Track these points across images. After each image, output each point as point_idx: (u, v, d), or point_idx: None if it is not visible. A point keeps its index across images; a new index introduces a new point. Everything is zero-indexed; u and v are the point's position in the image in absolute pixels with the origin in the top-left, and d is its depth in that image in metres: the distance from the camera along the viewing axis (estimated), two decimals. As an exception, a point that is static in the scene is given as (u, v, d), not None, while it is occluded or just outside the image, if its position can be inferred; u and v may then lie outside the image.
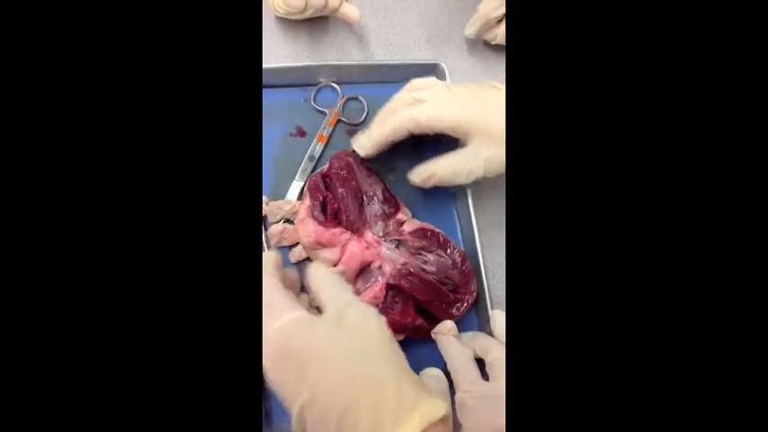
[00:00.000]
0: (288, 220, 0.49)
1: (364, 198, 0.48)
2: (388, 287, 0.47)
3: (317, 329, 0.34)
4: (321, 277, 0.39)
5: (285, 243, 0.49)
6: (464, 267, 0.48)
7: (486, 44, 0.61)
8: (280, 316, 0.34)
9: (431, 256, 0.48)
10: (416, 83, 0.48)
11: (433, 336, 0.47)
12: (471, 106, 0.45)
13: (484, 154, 0.45)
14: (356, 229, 0.47)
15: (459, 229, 0.54)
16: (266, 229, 0.49)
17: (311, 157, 0.51)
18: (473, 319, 0.51)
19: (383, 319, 0.37)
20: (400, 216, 0.49)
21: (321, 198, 0.47)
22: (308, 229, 0.46)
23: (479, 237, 0.50)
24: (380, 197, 0.49)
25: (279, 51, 0.55)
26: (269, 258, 0.39)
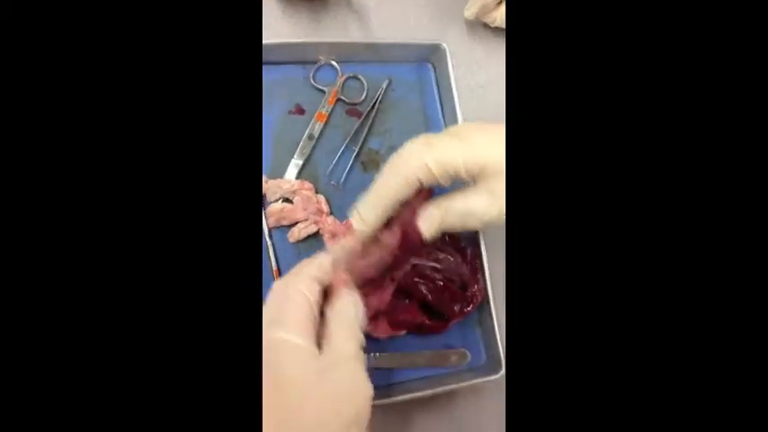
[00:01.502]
0: (286, 199, 0.46)
1: None
2: (398, 290, 0.44)
3: (311, 365, 0.31)
4: (344, 311, 0.35)
5: (284, 222, 0.46)
6: (473, 263, 0.46)
7: (487, 27, 0.59)
8: (285, 330, 0.31)
9: (440, 255, 0.45)
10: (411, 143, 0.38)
11: None
12: (484, 145, 0.37)
13: (498, 199, 0.37)
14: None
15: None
16: (265, 208, 0.46)
17: (310, 136, 0.48)
18: (473, 315, 0.49)
19: (371, 392, 0.33)
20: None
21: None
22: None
23: (482, 234, 0.48)
24: None
25: (279, 29, 0.52)
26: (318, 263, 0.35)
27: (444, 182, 0.38)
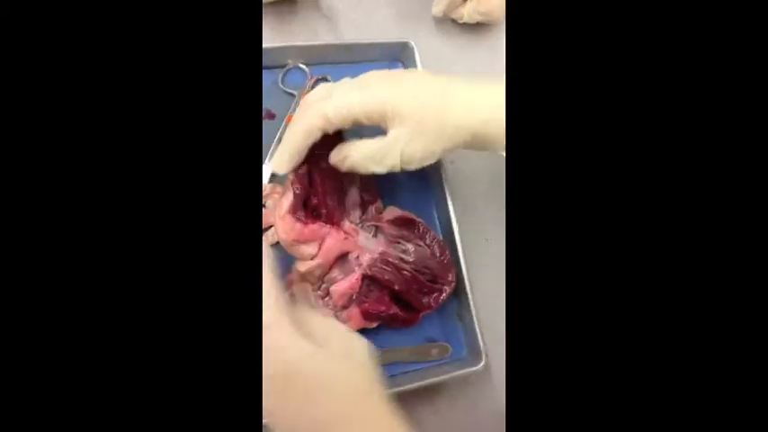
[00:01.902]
0: (260, 205, 0.46)
1: (344, 184, 0.45)
2: (365, 277, 0.44)
3: (325, 363, 0.32)
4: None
5: (258, 227, 0.46)
6: (443, 258, 0.46)
7: (455, 23, 0.59)
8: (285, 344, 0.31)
9: (410, 246, 0.45)
10: (313, 93, 0.41)
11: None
12: (382, 91, 0.38)
13: (399, 144, 0.39)
14: (335, 221, 0.44)
15: (436, 217, 0.51)
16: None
17: (281, 140, 0.48)
18: (452, 308, 0.49)
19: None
20: (378, 203, 0.47)
21: (303, 194, 0.43)
22: (288, 227, 0.42)
23: (458, 226, 0.48)
24: (359, 183, 0.46)
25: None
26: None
27: (347, 127, 0.40)
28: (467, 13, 0.56)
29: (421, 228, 0.46)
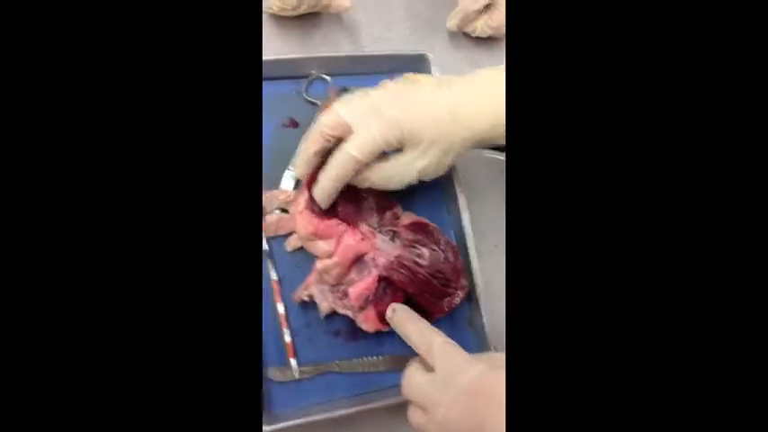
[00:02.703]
0: (283, 210, 0.47)
1: (360, 190, 0.46)
2: (380, 279, 0.45)
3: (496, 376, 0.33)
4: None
5: (281, 232, 0.47)
6: (456, 263, 0.46)
7: (468, 36, 0.60)
8: (467, 368, 0.35)
9: (425, 250, 0.46)
10: (325, 119, 0.41)
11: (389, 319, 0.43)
12: (397, 116, 0.39)
13: (416, 164, 0.41)
14: (352, 221, 0.45)
15: (449, 224, 0.52)
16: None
17: (304, 148, 0.49)
18: (463, 313, 0.50)
19: None
20: (396, 209, 0.48)
21: None
22: (305, 221, 0.44)
23: (471, 233, 0.49)
24: (376, 190, 0.47)
25: (271, 47, 0.53)
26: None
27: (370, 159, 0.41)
28: (479, 27, 0.58)
29: (435, 233, 0.47)
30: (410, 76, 0.43)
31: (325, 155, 0.42)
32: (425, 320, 0.41)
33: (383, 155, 0.42)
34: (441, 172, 0.43)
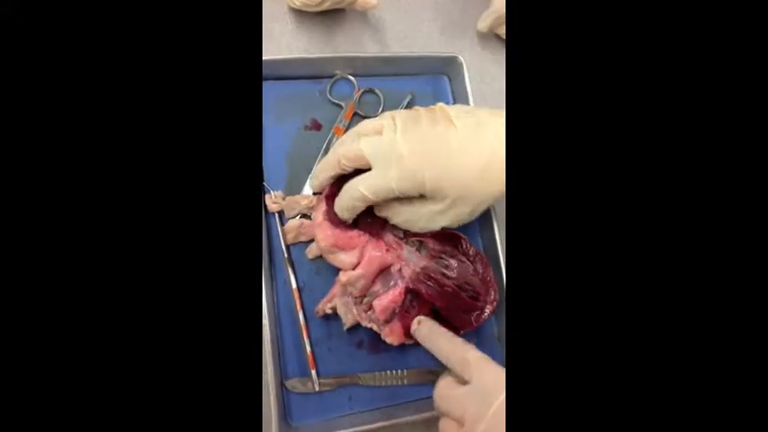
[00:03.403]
0: (305, 215, 0.45)
1: None
2: (407, 290, 0.42)
3: None
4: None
5: (302, 238, 0.44)
6: (486, 275, 0.44)
7: (499, 38, 0.57)
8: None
9: (453, 261, 0.43)
10: (346, 151, 0.39)
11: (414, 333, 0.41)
12: (418, 169, 0.36)
13: (442, 217, 0.39)
14: (375, 232, 0.43)
15: (479, 235, 0.50)
16: (283, 225, 0.45)
17: (327, 151, 0.47)
18: (492, 328, 0.48)
19: None
20: None
21: None
22: (325, 233, 0.41)
23: (502, 245, 0.46)
24: None
25: (293, 44, 0.51)
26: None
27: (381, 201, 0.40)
28: None
29: (464, 243, 0.44)
30: (443, 109, 0.39)
31: (342, 177, 0.41)
32: (454, 333, 0.39)
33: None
34: (470, 220, 0.40)
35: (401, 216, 0.40)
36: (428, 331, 0.40)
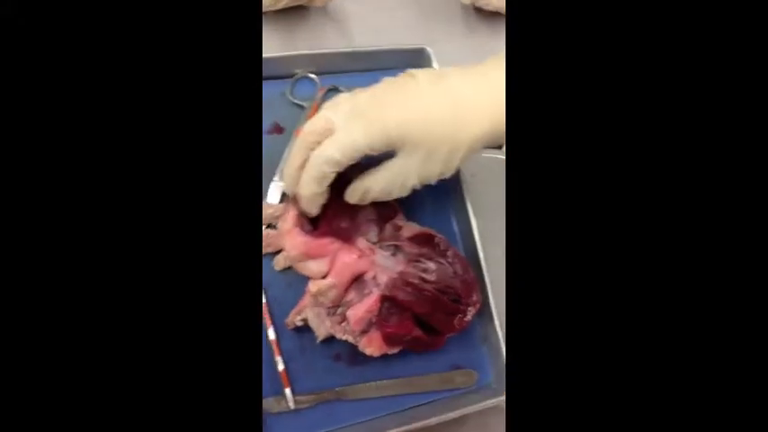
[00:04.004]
0: (270, 225, 0.42)
1: None
2: (384, 298, 0.40)
3: None
4: None
5: (269, 250, 0.42)
6: (466, 276, 0.41)
7: (480, 23, 0.55)
8: None
9: (431, 264, 0.41)
10: (311, 126, 0.36)
11: None
12: (382, 117, 0.35)
13: (413, 167, 0.36)
14: (347, 237, 0.40)
15: (457, 233, 0.47)
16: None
17: (291, 155, 0.44)
18: (476, 330, 0.45)
19: None
20: (398, 220, 0.42)
21: None
22: (295, 241, 0.39)
23: (481, 243, 0.44)
24: None
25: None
26: None
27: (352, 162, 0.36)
28: (493, 0, 0.52)
29: (442, 245, 0.42)
30: (411, 72, 0.37)
31: None
32: None
33: (376, 161, 0.37)
34: (448, 174, 0.38)
35: (378, 183, 0.37)
36: None
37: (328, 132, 0.35)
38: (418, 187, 0.38)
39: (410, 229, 0.42)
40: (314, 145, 0.36)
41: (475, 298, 0.41)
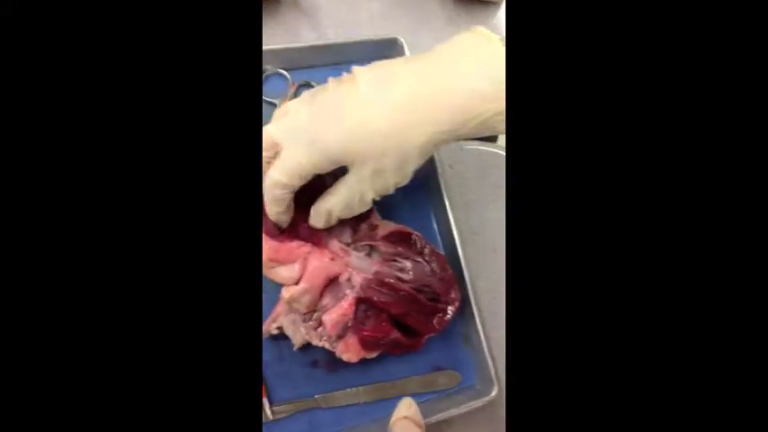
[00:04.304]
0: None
1: None
2: (359, 301, 0.38)
3: None
4: None
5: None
6: (444, 274, 0.40)
7: (453, 16, 0.53)
8: None
9: (407, 263, 0.39)
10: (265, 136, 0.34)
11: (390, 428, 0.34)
12: (322, 137, 0.32)
13: (366, 182, 0.34)
14: (318, 240, 0.38)
15: (436, 229, 0.45)
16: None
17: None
18: (457, 330, 0.43)
19: None
20: (373, 219, 0.41)
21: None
22: (263, 247, 0.38)
23: (460, 237, 0.42)
24: None
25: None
26: None
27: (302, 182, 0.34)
28: None
29: (418, 242, 0.40)
30: (353, 70, 0.34)
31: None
32: None
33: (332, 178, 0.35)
34: (405, 182, 0.35)
35: (338, 204, 0.35)
36: None
37: (275, 148, 0.33)
38: (378, 199, 0.36)
39: (385, 227, 0.40)
40: (268, 159, 0.34)
41: (453, 296, 0.40)
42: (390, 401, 0.41)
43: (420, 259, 0.40)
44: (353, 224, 0.40)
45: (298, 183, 0.34)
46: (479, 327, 0.41)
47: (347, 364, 0.40)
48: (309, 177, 0.34)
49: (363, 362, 0.40)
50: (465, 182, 0.47)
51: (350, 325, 0.38)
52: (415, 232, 0.40)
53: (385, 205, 0.42)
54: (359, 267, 0.39)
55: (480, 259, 0.44)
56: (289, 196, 0.35)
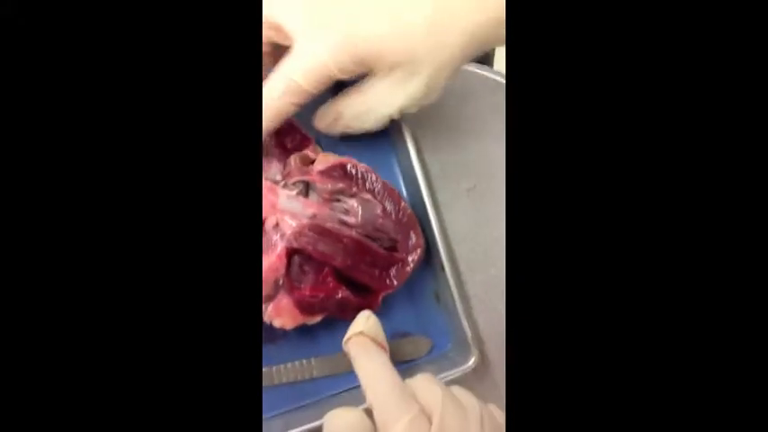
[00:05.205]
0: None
1: None
2: (291, 252, 0.30)
3: None
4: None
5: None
6: (401, 214, 0.32)
7: None
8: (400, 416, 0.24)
9: (353, 202, 0.31)
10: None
11: (343, 347, 0.28)
12: (349, 33, 0.28)
13: (400, 92, 0.29)
14: None
15: (398, 169, 0.36)
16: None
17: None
18: (424, 286, 0.35)
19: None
20: (309, 152, 0.33)
21: None
22: None
23: (422, 172, 0.34)
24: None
25: None
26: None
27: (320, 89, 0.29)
28: None
29: (367, 176, 0.32)
30: None
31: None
32: (384, 355, 0.27)
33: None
34: (433, 98, 0.31)
35: (351, 108, 0.31)
36: (356, 350, 0.27)
37: (280, 35, 0.29)
38: (396, 117, 0.31)
39: (325, 160, 0.32)
40: (268, 48, 0.30)
41: (415, 241, 0.32)
42: (342, 377, 0.33)
43: (369, 197, 0.32)
44: (282, 156, 0.32)
45: (315, 90, 0.28)
46: (451, 281, 0.32)
47: (285, 334, 0.32)
48: (328, 84, 0.29)
49: (305, 329, 0.32)
50: (428, 120, 0.38)
51: (281, 283, 0.30)
52: (362, 164, 0.32)
53: (333, 144, 0.34)
54: (290, 210, 0.31)
55: (452, 202, 0.35)
56: (293, 112, 0.29)
